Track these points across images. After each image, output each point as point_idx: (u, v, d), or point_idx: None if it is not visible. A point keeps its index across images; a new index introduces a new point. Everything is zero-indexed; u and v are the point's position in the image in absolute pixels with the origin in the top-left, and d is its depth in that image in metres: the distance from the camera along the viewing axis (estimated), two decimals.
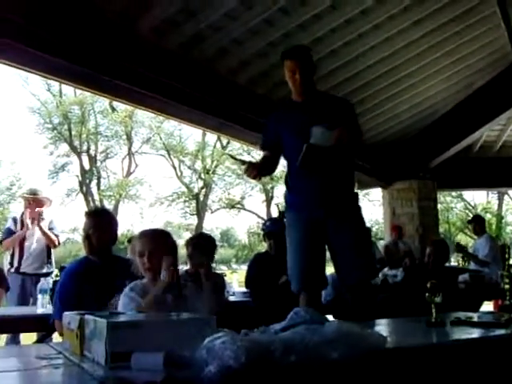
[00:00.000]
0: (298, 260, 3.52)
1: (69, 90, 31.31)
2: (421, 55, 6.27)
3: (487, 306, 7.69)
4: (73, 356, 1.91)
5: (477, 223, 8.39)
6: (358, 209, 3.66)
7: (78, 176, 33.35)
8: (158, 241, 3.03)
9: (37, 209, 5.93)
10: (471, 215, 34.21)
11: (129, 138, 33.98)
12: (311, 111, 3.53)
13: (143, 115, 30.91)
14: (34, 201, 6.01)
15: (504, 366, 2.36)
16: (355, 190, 3.75)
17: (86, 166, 33.37)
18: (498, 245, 8.88)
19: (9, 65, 4.02)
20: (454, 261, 15.34)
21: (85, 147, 33.35)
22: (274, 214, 34.06)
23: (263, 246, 5.10)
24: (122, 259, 3.99)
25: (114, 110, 31.58)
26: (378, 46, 5.77)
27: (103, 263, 3.64)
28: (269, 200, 35.33)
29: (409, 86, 6.92)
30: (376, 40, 5.67)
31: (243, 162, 3.54)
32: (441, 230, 23.39)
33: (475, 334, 2.65)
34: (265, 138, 3.74)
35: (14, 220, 6.08)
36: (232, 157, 3.88)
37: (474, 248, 8.26)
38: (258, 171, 3.46)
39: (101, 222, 3.72)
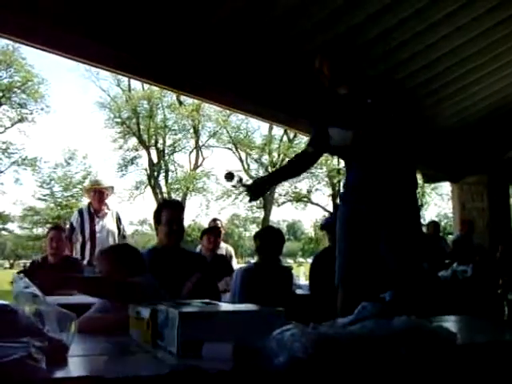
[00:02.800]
0: (338, 254, 3.46)
1: (137, 85, 31.93)
2: (492, 45, 6.08)
3: None
4: (144, 344, 1.97)
5: None
6: (407, 203, 3.45)
7: (146, 169, 33.96)
8: None
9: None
10: None
11: (196, 132, 34.34)
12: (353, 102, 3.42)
13: (210, 109, 31.20)
14: (96, 191, 6.10)
15: None
16: (412, 185, 3.50)
17: (155, 160, 33.94)
18: None
19: (79, 61, 4.15)
20: None
21: (153, 141, 33.91)
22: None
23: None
24: (189, 252, 4.06)
25: (181, 103, 31.98)
26: (449, 36, 5.65)
27: (171, 254, 3.71)
28: (335, 194, 35.10)
29: (481, 76, 6.74)
30: (447, 30, 5.55)
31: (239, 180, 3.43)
32: None
33: None
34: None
35: (80, 212, 6.18)
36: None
37: None
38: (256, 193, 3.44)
39: (181, 214, 3.82)
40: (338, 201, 3.78)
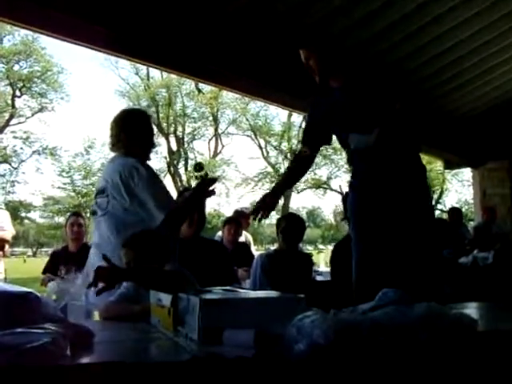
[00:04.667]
0: (355, 242, 3.47)
1: (156, 73, 31.98)
2: (499, 37, 6.00)
3: None
4: (165, 331, 1.99)
5: None
6: (419, 190, 3.44)
7: (165, 157, 34.07)
8: None
9: None
10: None
11: (215, 120, 34.38)
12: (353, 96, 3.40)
13: (229, 96, 31.18)
14: None
15: None
16: (422, 170, 3.50)
17: (174, 148, 34.04)
18: None
19: (97, 50, 4.16)
20: None
21: (172, 129, 34.00)
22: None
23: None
24: (210, 241, 4.07)
25: (200, 91, 32.00)
26: (456, 28, 5.60)
27: (192, 244, 3.73)
28: None
29: (488, 68, 6.67)
30: (454, 22, 5.50)
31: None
32: None
33: None
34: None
35: None
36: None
37: None
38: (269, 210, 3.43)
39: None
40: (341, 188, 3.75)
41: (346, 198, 3.66)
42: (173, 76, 27.17)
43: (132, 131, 3.45)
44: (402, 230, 3.33)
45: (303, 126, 3.66)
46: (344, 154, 33.11)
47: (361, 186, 3.44)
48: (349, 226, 4.52)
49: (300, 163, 3.66)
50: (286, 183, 3.79)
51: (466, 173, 24.92)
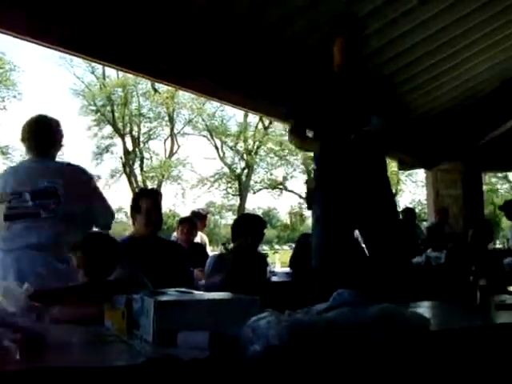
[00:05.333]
0: (316, 239, 3.48)
1: (112, 72, 31.63)
2: (465, 34, 6.14)
3: None
4: (119, 334, 1.96)
5: (511, 208, 8.18)
6: (384, 189, 3.54)
7: (121, 157, 33.72)
8: None
9: None
10: None
11: (171, 120, 34.17)
12: (352, 86, 3.45)
13: (185, 96, 31.05)
14: None
15: None
16: (385, 170, 3.60)
17: (130, 148, 33.72)
18: None
19: (51, 48, 4.09)
20: (500, 243, 15.10)
21: (128, 129, 33.68)
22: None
23: (305, 227, 5.11)
24: (167, 241, 4.03)
25: (156, 91, 31.78)
26: (423, 24, 5.68)
27: (149, 244, 3.68)
28: None
29: (454, 64, 6.80)
30: (421, 18, 5.58)
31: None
32: (486, 211, 23.04)
33: None
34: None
35: None
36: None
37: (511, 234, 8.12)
38: None
39: (159, 203, 3.79)
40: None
41: (310, 189, 3.62)
42: (129, 75, 26.88)
43: (57, 138, 3.49)
44: (368, 226, 3.41)
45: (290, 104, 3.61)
46: (300, 155, 33.34)
47: (329, 184, 3.45)
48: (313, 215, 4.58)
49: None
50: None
51: (420, 174, 25.36)
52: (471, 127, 8.42)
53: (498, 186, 37.39)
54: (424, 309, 2.92)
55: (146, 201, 3.69)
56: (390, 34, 5.69)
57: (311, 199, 3.57)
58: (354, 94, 3.44)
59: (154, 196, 3.86)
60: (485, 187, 22.39)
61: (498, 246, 14.80)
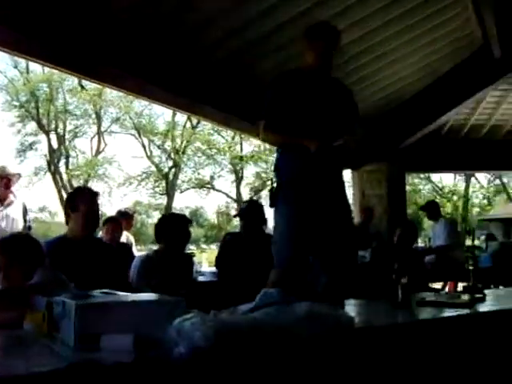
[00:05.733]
0: (284, 239, 3.52)
1: (36, 67, 30.82)
2: (393, 37, 6.27)
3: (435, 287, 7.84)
4: (40, 338, 1.90)
5: (431, 209, 8.41)
6: (343, 193, 3.68)
7: (46, 155, 32.90)
8: None
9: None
10: (439, 197, 34.70)
11: (98, 117, 33.61)
12: (322, 89, 3.55)
13: (112, 94, 30.57)
14: (3, 178, 5.82)
15: (467, 344, 2.41)
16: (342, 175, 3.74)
17: (55, 145, 32.95)
18: (456, 226, 8.99)
19: None
20: (421, 242, 15.55)
21: (53, 126, 32.90)
22: (245, 195, 34.16)
23: (232, 226, 5.13)
24: (101, 242, 3.94)
25: (83, 88, 31.16)
26: (347, 29, 5.77)
27: (85, 244, 3.58)
28: (238, 180, 35.33)
29: (378, 68, 6.93)
30: (346, 22, 5.66)
31: None
32: (409, 211, 23.64)
33: (440, 314, 2.70)
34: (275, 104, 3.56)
35: None
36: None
37: (433, 233, 8.34)
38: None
39: (97, 203, 3.69)
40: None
41: (273, 189, 3.59)
42: (54, 71, 26.28)
43: None
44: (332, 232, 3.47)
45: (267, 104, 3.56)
46: (228, 155, 33.40)
47: (295, 187, 3.48)
48: (242, 226, 4.61)
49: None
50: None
51: (346, 174, 25.78)
52: (395, 129, 8.61)
53: (421, 187, 38.51)
54: (349, 307, 2.97)
55: (85, 200, 3.58)
56: None
57: (275, 198, 3.56)
58: (328, 97, 3.54)
59: (93, 196, 3.73)
60: (408, 187, 22.99)
61: (420, 244, 15.22)
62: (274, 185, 3.60)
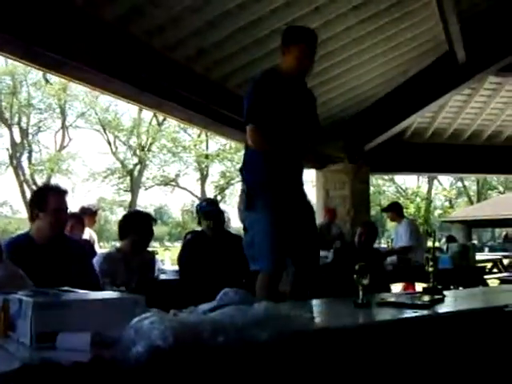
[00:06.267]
0: (267, 239, 3.54)
1: None
2: (357, 41, 6.33)
3: (395, 288, 7.95)
4: None
5: (394, 210, 8.48)
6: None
7: (8, 149, 32.45)
8: None
9: None
10: (402, 198, 35.09)
11: (62, 112, 33.25)
12: (299, 94, 3.64)
13: (78, 89, 30.26)
14: None
15: (427, 346, 2.44)
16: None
17: (17, 139, 32.50)
18: (418, 228, 9.08)
19: None
20: (384, 243, 15.68)
21: (16, 119, 32.44)
22: (210, 193, 34.10)
23: (197, 224, 5.09)
24: (69, 239, 3.86)
25: (47, 82, 30.77)
26: (316, 29, 5.79)
27: (53, 243, 3.49)
28: (203, 178, 35.26)
29: (344, 70, 6.99)
30: (315, 24, 5.69)
31: None
32: (372, 212, 23.92)
33: (400, 314, 2.72)
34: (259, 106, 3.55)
35: None
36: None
37: (396, 234, 8.43)
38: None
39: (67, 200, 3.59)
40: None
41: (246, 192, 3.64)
42: (18, 64, 25.87)
43: None
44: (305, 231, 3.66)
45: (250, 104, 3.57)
46: (193, 153, 33.29)
47: (273, 187, 3.57)
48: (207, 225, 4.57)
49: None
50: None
51: (310, 174, 25.91)
52: (360, 131, 8.67)
53: (385, 188, 38.91)
54: (309, 307, 2.98)
55: (55, 199, 3.44)
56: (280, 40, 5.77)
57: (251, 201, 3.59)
58: (302, 103, 3.65)
59: (63, 193, 3.57)
60: (372, 188, 23.23)
61: (383, 245, 15.36)
62: (244, 187, 3.66)
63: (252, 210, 3.57)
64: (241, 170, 3.78)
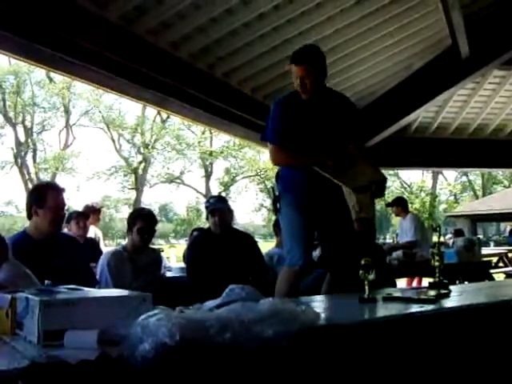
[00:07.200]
0: (294, 240, 3.68)
1: (2, 59, 30.38)
2: (361, 36, 6.32)
3: (400, 283, 7.93)
4: (2, 335, 1.87)
5: (399, 205, 8.48)
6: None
7: (12, 148, 32.52)
8: None
9: None
10: (407, 193, 35.07)
11: (66, 110, 33.30)
12: (319, 111, 3.65)
13: (82, 87, 30.30)
14: None
15: (433, 340, 2.44)
16: None
17: (22, 138, 32.56)
18: (423, 222, 9.04)
19: None
20: (389, 238, 15.64)
21: (20, 118, 32.50)
22: (214, 190, 34.11)
23: (202, 221, 5.09)
24: (68, 237, 3.88)
25: (51, 80, 30.82)
26: (320, 25, 5.80)
27: (51, 241, 3.51)
28: (208, 175, 35.30)
29: (347, 66, 6.97)
30: (318, 19, 5.69)
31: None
32: (377, 207, 23.94)
33: (406, 309, 2.72)
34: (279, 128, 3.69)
35: None
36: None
37: (401, 229, 8.41)
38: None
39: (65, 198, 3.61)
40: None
41: (276, 197, 3.81)
42: (21, 63, 25.91)
43: None
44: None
45: (274, 127, 3.70)
46: (197, 150, 33.31)
47: (299, 191, 3.71)
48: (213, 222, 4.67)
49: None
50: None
51: None
52: (366, 125, 8.65)
53: (389, 183, 38.88)
54: (315, 303, 2.98)
55: (54, 197, 3.48)
56: (287, 34, 5.77)
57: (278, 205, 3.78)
58: (323, 119, 3.66)
59: (60, 192, 3.60)
60: None
61: (388, 240, 15.33)
62: (276, 193, 3.80)
63: (279, 213, 3.80)
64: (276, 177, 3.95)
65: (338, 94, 3.96)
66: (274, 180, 3.96)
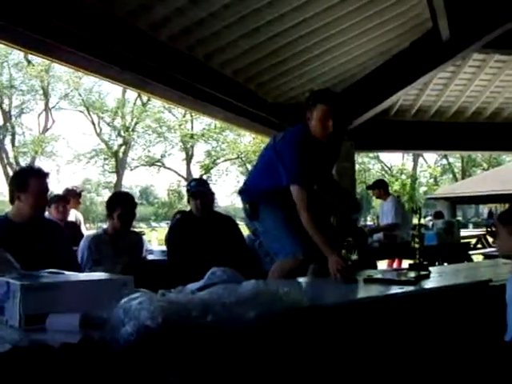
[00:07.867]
0: (288, 228, 3.52)
1: None
2: (340, 19, 6.29)
3: (381, 265, 7.99)
4: None
5: (380, 187, 8.50)
6: None
7: None
8: None
9: None
10: (387, 176, 35.26)
11: (45, 93, 32.94)
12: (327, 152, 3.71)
13: (61, 70, 29.98)
14: None
15: (414, 320, 2.47)
16: None
17: (0, 122, 32.19)
18: (403, 205, 9.10)
19: None
20: (370, 220, 15.74)
21: None
22: (195, 173, 34.05)
23: (183, 204, 5.07)
24: (49, 221, 3.85)
25: (29, 63, 30.43)
26: (298, 7, 5.77)
27: (32, 225, 3.49)
28: (189, 158, 35.20)
29: (327, 49, 6.94)
30: (299, 2, 5.66)
31: None
32: (358, 190, 24.06)
33: (386, 291, 2.75)
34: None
35: None
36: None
37: (382, 211, 8.46)
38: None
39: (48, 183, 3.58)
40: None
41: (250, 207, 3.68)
42: None
43: None
44: None
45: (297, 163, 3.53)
46: (178, 133, 33.19)
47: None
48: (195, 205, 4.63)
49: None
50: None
51: None
52: (346, 108, 8.65)
53: (370, 166, 39.06)
54: (297, 284, 2.99)
55: (37, 181, 3.43)
56: (267, 16, 5.74)
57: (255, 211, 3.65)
58: (328, 158, 3.82)
59: (44, 176, 3.55)
60: (357, 166, 23.29)
61: (369, 222, 15.42)
62: (246, 204, 3.68)
63: (257, 217, 3.63)
64: (240, 192, 3.85)
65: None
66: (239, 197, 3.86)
